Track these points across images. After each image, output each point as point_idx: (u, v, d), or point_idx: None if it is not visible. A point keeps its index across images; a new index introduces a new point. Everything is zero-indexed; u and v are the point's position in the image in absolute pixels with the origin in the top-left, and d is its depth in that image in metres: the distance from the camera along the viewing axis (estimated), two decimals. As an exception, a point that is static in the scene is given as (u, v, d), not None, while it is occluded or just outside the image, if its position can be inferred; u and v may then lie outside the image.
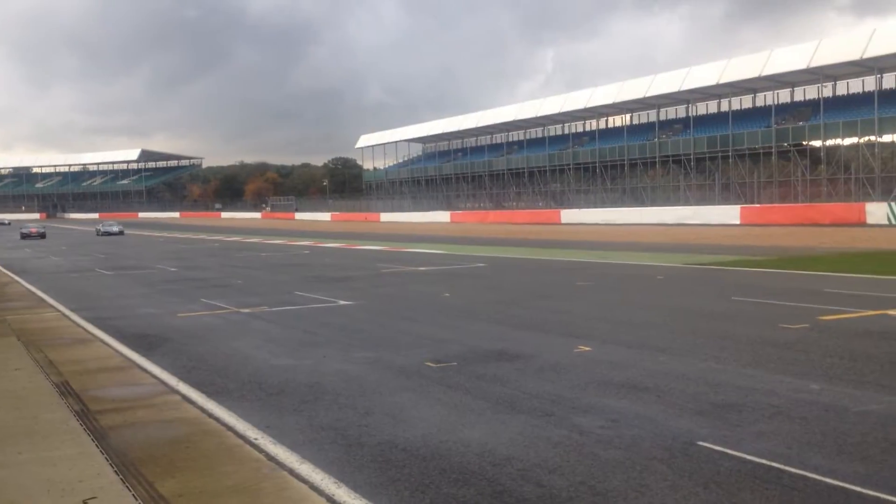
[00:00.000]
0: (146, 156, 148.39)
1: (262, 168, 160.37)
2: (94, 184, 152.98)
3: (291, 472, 5.82)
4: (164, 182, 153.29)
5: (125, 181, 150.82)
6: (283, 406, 7.87)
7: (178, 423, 7.18)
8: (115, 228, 64.69)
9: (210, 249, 40.29)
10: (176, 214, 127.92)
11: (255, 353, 10.90)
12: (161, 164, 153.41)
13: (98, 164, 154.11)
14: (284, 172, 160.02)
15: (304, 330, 12.89)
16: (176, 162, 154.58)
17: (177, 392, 8.51)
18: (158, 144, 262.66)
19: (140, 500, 5.21)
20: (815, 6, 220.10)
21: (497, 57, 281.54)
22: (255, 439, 6.68)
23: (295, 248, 39.20)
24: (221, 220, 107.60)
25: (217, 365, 10.09)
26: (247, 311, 15.33)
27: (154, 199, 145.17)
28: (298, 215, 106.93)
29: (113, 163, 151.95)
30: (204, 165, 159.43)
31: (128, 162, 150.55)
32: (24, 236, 59.62)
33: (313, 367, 9.76)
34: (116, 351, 11.20)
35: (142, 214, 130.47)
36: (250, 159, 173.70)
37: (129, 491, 5.39)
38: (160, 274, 25.31)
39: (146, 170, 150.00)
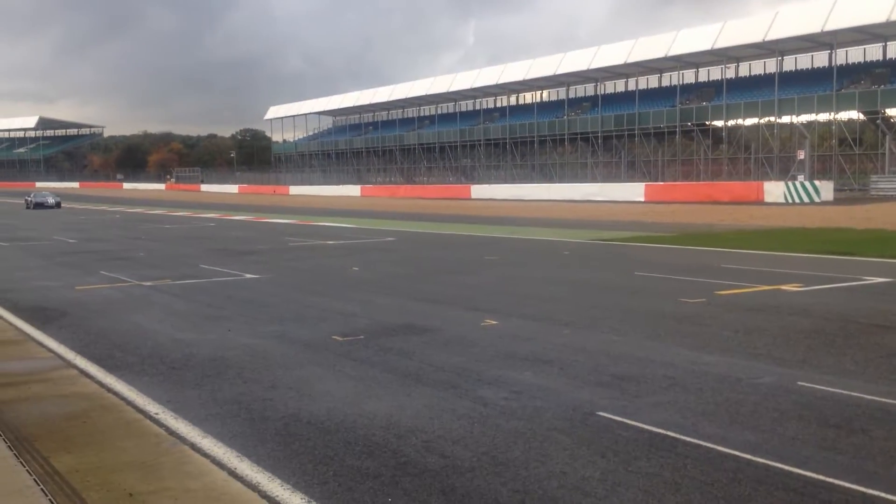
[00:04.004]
0: (45, 123, 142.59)
1: (166, 138, 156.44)
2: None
3: (193, 446, 5.73)
4: (64, 151, 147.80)
5: (22, 150, 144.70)
6: (186, 380, 7.73)
7: (75, 398, 6.99)
8: (51, 200, 55.93)
9: (111, 221, 39.17)
10: (75, 185, 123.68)
11: (156, 326, 10.67)
12: (60, 132, 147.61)
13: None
14: (190, 143, 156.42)
15: (209, 304, 12.67)
16: (76, 130, 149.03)
17: (74, 366, 8.28)
18: (63, 112, 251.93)
19: (34, 476, 5.06)
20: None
21: (421, 29, 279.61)
22: (156, 414, 6.56)
23: (200, 221, 38.43)
24: (123, 192, 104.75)
25: (117, 339, 9.84)
26: (149, 284, 14.98)
27: (52, 168, 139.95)
28: (204, 187, 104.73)
29: (9, 130, 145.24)
30: (106, 134, 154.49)
31: (25, 130, 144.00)
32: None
33: (217, 341, 9.61)
34: (11, 324, 10.82)
35: (39, 184, 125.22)
36: (158, 128, 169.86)
37: (24, 466, 5.24)
38: (58, 245, 24.51)
39: (44, 138, 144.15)
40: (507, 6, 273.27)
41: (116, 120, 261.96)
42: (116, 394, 7.19)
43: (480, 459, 5.39)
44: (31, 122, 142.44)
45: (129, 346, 9.38)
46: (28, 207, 54.76)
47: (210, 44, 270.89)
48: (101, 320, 11.22)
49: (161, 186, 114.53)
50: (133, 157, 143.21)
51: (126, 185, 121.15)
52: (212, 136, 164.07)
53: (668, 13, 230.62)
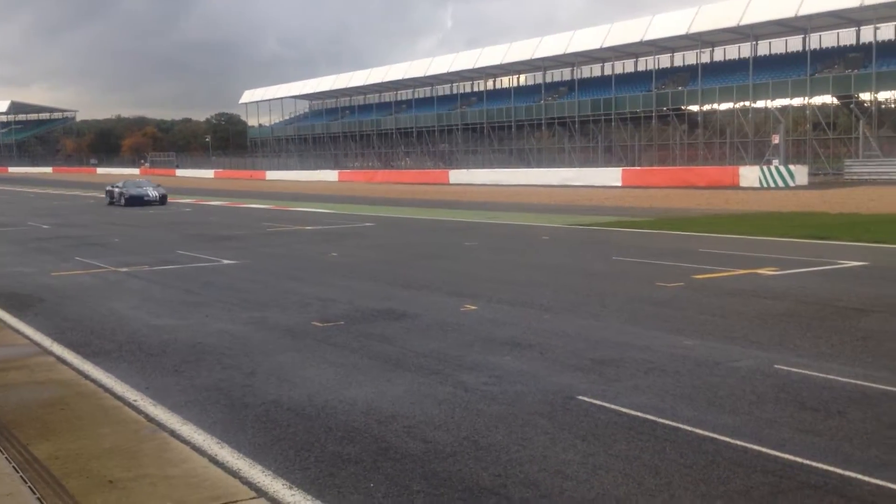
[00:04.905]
0: (17, 108, 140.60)
1: (140, 122, 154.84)
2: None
3: (172, 433, 5.71)
4: (36, 136, 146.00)
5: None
6: (164, 366, 7.69)
7: (52, 385, 6.94)
8: (153, 192, 38.26)
9: (86, 206, 38.80)
10: (48, 169, 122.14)
11: (133, 313, 10.60)
12: (33, 116, 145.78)
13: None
14: (165, 127, 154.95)
15: (186, 289, 12.59)
16: (49, 115, 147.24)
17: (51, 353, 8.21)
18: (36, 96, 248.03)
19: (14, 463, 5.03)
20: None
21: (400, 12, 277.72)
22: (135, 401, 6.52)
23: (176, 206, 38.13)
24: (97, 176, 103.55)
25: (93, 325, 9.77)
26: (125, 269, 14.87)
27: (25, 153, 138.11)
28: (180, 172, 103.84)
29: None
30: (79, 119, 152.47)
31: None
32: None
33: (195, 327, 9.57)
34: (-15, 311, 10.71)
35: (11, 169, 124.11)
36: (131, 112, 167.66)
37: (2, 454, 5.20)
38: (32, 231, 24.26)
39: (16, 122, 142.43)
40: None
41: (90, 104, 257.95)
42: (94, 381, 7.14)
43: (461, 444, 5.41)
44: (2, 106, 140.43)
45: (106, 333, 9.31)
46: (114, 202, 38.20)
47: (185, 26, 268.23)
48: (77, 307, 11.13)
49: (135, 171, 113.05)
50: (107, 141, 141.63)
51: (100, 170, 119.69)
52: (186, 121, 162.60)
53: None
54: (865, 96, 51.86)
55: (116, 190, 38.56)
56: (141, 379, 7.23)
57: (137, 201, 37.18)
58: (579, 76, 70.85)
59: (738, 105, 57.73)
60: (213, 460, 5.17)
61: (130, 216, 31.24)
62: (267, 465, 5.11)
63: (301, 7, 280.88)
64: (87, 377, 7.26)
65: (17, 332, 9.37)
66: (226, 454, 5.30)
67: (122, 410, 6.25)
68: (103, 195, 41.35)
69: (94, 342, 8.82)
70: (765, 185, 43.11)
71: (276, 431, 5.78)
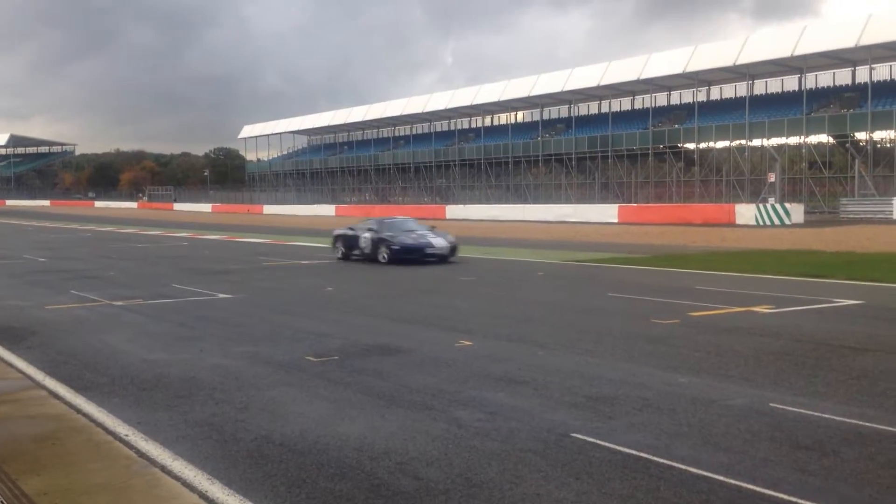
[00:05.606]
0: (16, 141, 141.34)
1: (139, 156, 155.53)
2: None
3: (163, 468, 5.66)
4: (35, 169, 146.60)
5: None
6: (156, 401, 7.65)
7: (43, 419, 6.89)
8: (439, 241, 22.92)
9: (82, 239, 38.79)
10: (46, 203, 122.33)
11: (127, 346, 10.56)
12: (32, 149, 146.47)
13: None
14: (163, 161, 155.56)
15: (181, 323, 12.56)
16: (48, 148, 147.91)
17: (43, 387, 8.16)
18: (37, 129, 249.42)
19: (2, 498, 4.98)
20: (722, 7, 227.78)
21: (401, 48, 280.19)
22: (126, 436, 6.48)
23: (173, 240, 38.17)
24: (95, 210, 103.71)
25: (87, 359, 9.72)
26: (120, 303, 14.83)
27: (23, 186, 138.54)
28: (177, 206, 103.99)
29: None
30: (78, 152, 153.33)
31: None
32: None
33: (189, 361, 9.52)
34: (-22, 344, 10.65)
35: (9, 202, 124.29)
36: (130, 146, 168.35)
37: (-10, 490, 5.15)
38: (28, 264, 24.22)
39: (15, 156, 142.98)
40: (487, 27, 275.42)
41: (90, 137, 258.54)
42: (86, 415, 7.09)
43: (454, 481, 5.37)
44: (1, 139, 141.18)
45: (99, 367, 9.27)
46: (356, 255, 23.82)
47: (185, 61, 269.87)
48: (71, 340, 11.09)
49: (133, 205, 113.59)
50: (105, 175, 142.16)
51: (98, 204, 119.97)
52: (185, 155, 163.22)
53: (649, 35, 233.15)
54: (861, 135, 52.20)
55: (367, 235, 23.40)
56: (133, 413, 7.18)
57: (414, 255, 22.45)
58: (576, 113, 71.37)
59: (735, 143, 58.11)
60: (204, 496, 5.13)
61: (126, 251, 31.20)
62: (258, 501, 5.08)
63: (302, 43, 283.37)
64: (78, 411, 7.21)
65: (10, 365, 9.32)
66: (216, 490, 5.26)
67: (114, 445, 6.20)
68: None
69: (86, 376, 8.78)
70: (761, 222, 43.22)
71: (268, 467, 5.74)
